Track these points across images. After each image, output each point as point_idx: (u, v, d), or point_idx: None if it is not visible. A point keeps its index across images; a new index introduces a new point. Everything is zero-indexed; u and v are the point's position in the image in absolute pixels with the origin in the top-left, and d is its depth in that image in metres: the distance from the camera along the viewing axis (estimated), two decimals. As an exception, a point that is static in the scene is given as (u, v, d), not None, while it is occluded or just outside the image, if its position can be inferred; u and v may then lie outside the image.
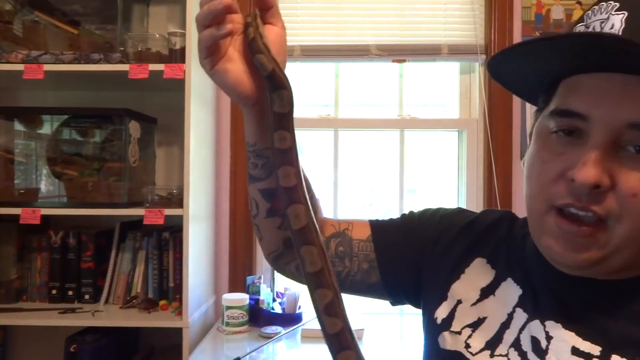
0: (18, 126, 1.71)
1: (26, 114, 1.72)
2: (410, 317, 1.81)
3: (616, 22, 0.51)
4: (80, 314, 1.59)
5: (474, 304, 0.63)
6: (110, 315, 1.59)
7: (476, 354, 0.60)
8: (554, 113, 0.54)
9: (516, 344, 0.58)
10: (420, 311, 0.72)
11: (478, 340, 0.61)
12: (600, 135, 0.50)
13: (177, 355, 1.54)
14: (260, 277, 1.82)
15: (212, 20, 0.53)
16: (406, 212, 0.77)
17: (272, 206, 0.67)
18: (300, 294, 1.74)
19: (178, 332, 1.52)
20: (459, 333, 0.62)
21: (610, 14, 0.51)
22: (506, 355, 0.58)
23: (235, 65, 0.56)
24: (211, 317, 1.83)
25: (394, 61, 1.92)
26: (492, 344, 0.60)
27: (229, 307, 1.64)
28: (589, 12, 0.54)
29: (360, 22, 1.90)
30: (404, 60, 1.92)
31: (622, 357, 0.51)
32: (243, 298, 1.66)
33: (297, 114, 2.08)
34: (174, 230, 1.70)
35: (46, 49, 1.60)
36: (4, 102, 1.79)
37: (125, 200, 1.60)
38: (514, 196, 1.85)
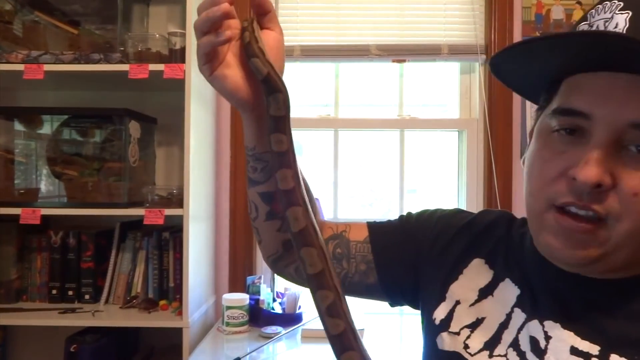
0: (18, 126, 1.71)
1: (26, 114, 1.72)
2: (410, 317, 1.81)
3: (620, 21, 0.50)
4: (80, 314, 1.59)
5: (473, 304, 0.63)
6: (110, 315, 1.59)
7: (475, 354, 0.60)
8: (556, 112, 0.54)
9: (515, 344, 0.58)
10: (419, 312, 0.72)
11: (477, 341, 0.61)
12: (603, 135, 0.50)
13: (177, 355, 1.54)
14: (260, 277, 1.82)
15: (210, 26, 0.53)
16: (404, 213, 0.77)
17: (272, 209, 0.67)
18: (301, 294, 1.74)
19: (178, 332, 1.52)
20: (458, 334, 0.62)
21: (614, 13, 0.51)
22: (505, 355, 0.58)
23: (233, 70, 0.57)
24: (211, 317, 1.83)
25: (394, 61, 1.92)
26: (490, 345, 0.60)
27: (229, 307, 1.64)
28: (593, 10, 0.54)
29: (360, 22, 1.90)
30: (404, 60, 1.92)
31: (620, 356, 0.51)
32: (243, 298, 1.66)
33: (297, 114, 2.07)
34: (174, 230, 1.70)
35: (46, 49, 1.60)
36: (4, 102, 1.79)
37: (125, 200, 1.60)
38: (514, 196, 1.85)
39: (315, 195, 0.71)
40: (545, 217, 0.54)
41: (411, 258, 0.71)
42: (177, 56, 1.57)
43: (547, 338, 0.55)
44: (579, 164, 0.50)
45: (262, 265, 1.93)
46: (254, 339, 1.58)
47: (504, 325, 0.60)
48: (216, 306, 1.88)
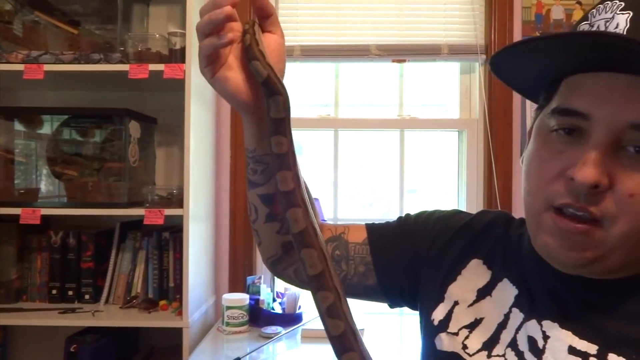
0: (18, 126, 1.71)
1: (26, 114, 1.72)
2: (410, 317, 1.81)
3: (621, 22, 0.50)
4: (80, 314, 1.59)
5: (471, 305, 0.63)
6: (110, 315, 1.59)
7: (473, 354, 0.60)
8: (555, 111, 0.54)
9: (513, 344, 0.58)
10: (418, 312, 0.72)
11: (475, 341, 0.61)
12: (601, 135, 0.50)
13: (177, 355, 1.54)
14: (260, 277, 1.82)
15: (213, 29, 0.53)
16: (402, 215, 0.77)
17: (271, 211, 0.67)
18: (300, 294, 1.74)
19: (178, 332, 1.52)
20: (456, 334, 0.62)
21: (615, 13, 0.51)
22: (503, 355, 0.58)
23: (235, 73, 0.57)
24: (211, 317, 1.83)
25: (394, 61, 1.92)
26: (489, 345, 0.60)
27: (229, 307, 1.64)
28: (594, 10, 0.54)
29: (360, 22, 1.90)
30: (404, 60, 1.92)
31: (618, 355, 0.51)
32: (243, 298, 1.67)
33: (297, 114, 2.07)
34: (174, 230, 1.70)
35: (46, 49, 1.60)
36: (4, 102, 1.79)
37: (125, 200, 1.60)
38: (514, 196, 1.85)
39: (314, 195, 0.71)
40: (543, 217, 0.54)
41: (410, 259, 0.71)
42: (177, 56, 1.57)
43: (545, 338, 0.56)
44: (577, 164, 0.50)
45: (262, 266, 1.93)
46: (254, 339, 1.58)
47: (502, 326, 0.60)
48: (216, 306, 1.88)
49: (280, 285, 1.89)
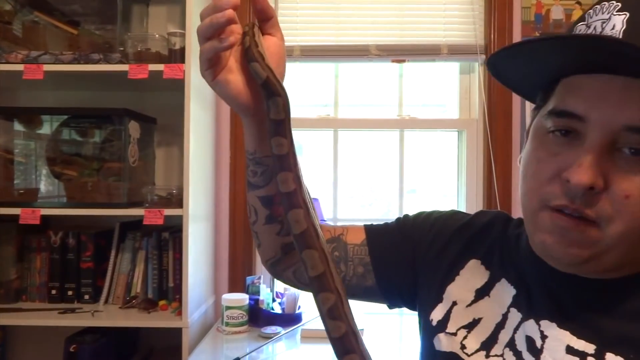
0: (18, 126, 1.71)
1: (26, 114, 1.72)
2: (410, 317, 1.81)
3: (617, 23, 0.50)
4: (79, 314, 1.59)
5: (469, 305, 0.64)
6: (109, 316, 1.59)
7: (472, 354, 0.60)
8: (551, 113, 0.54)
9: (511, 344, 0.58)
10: (417, 313, 0.72)
11: (473, 341, 0.61)
12: (597, 138, 0.50)
13: (177, 355, 1.54)
14: (260, 277, 1.82)
15: (213, 32, 0.53)
16: (401, 216, 0.77)
17: (271, 213, 0.67)
18: (300, 294, 1.74)
19: (178, 332, 1.52)
20: (455, 334, 0.63)
21: (612, 14, 0.51)
22: (501, 355, 0.58)
23: (235, 75, 0.57)
24: (211, 317, 1.83)
25: (393, 61, 1.92)
26: (487, 345, 0.60)
27: (228, 307, 1.64)
28: (591, 11, 0.54)
29: (360, 22, 1.90)
30: (404, 61, 1.93)
31: (616, 355, 0.51)
32: (243, 298, 1.67)
33: (296, 114, 2.07)
34: (174, 231, 1.70)
35: (46, 49, 1.60)
36: (3, 102, 1.79)
37: (125, 201, 1.60)
38: (514, 196, 1.85)
39: (313, 195, 0.71)
40: (539, 216, 0.54)
41: (408, 260, 0.71)
42: (177, 56, 1.57)
43: (543, 337, 0.56)
44: (573, 166, 0.50)
45: (261, 266, 1.91)
46: (253, 339, 1.58)
47: (500, 325, 0.60)
48: (216, 306, 1.88)
49: (280, 285, 1.88)
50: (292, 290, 1.75)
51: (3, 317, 1.57)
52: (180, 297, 1.59)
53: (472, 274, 0.66)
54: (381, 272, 0.71)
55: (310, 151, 2.08)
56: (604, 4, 0.53)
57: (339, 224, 0.79)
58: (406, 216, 0.77)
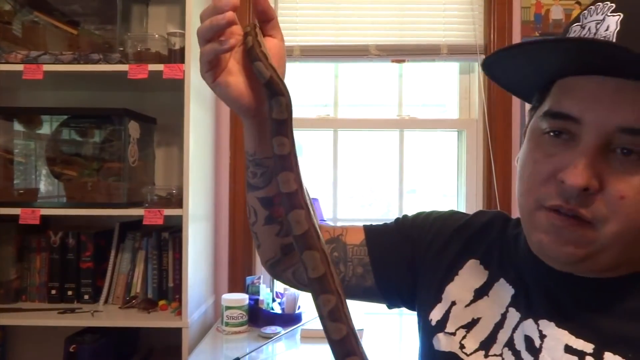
0: (17, 126, 1.71)
1: (26, 114, 1.72)
2: (409, 317, 1.80)
3: (611, 24, 0.51)
4: (79, 314, 1.59)
5: (468, 305, 0.64)
6: (109, 316, 1.59)
7: (471, 354, 0.60)
8: (547, 114, 0.54)
9: (510, 344, 0.58)
10: (416, 313, 0.72)
11: (472, 341, 0.61)
12: (591, 139, 0.50)
13: (177, 355, 1.54)
14: (259, 277, 1.82)
15: (214, 34, 0.53)
16: (400, 216, 0.78)
17: (270, 213, 0.67)
18: (300, 294, 1.74)
19: (177, 332, 1.52)
20: (454, 334, 0.63)
21: (606, 15, 0.51)
22: (500, 355, 0.58)
23: (236, 77, 0.57)
24: (210, 317, 1.83)
25: (393, 61, 1.92)
26: (486, 344, 0.60)
27: (228, 307, 1.64)
28: (585, 11, 0.54)
29: (360, 22, 1.90)
30: (404, 61, 1.93)
31: (614, 354, 0.51)
32: (242, 298, 1.67)
33: (296, 114, 2.07)
34: (174, 231, 1.70)
35: (45, 49, 1.60)
36: (3, 102, 1.79)
37: (125, 201, 1.60)
38: (513, 196, 1.85)
39: (313, 195, 0.72)
40: (536, 215, 0.55)
41: (408, 260, 0.71)
42: (177, 56, 1.57)
43: (542, 337, 0.56)
44: (568, 168, 0.50)
45: (261, 266, 1.91)
46: (253, 339, 1.58)
47: (499, 325, 0.60)
48: (215, 306, 1.88)
49: (280, 285, 1.88)
50: (292, 290, 1.75)
51: (3, 317, 1.57)
52: (180, 297, 1.59)
53: (471, 274, 0.66)
54: (380, 273, 0.72)
55: (310, 151, 2.08)
56: (599, 5, 0.53)
57: (339, 224, 0.79)
58: (405, 216, 0.77)
